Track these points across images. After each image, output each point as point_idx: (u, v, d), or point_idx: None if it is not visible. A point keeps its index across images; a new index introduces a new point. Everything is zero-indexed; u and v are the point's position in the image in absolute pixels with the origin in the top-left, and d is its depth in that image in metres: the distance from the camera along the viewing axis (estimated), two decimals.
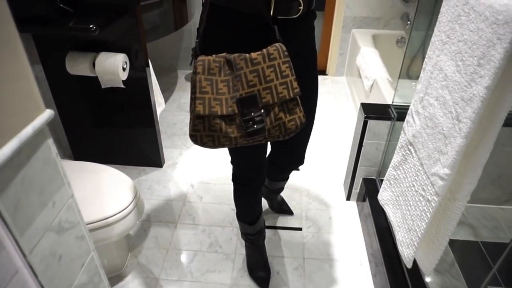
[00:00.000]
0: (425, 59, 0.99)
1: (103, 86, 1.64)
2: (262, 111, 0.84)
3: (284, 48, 0.84)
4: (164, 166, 1.96)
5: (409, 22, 2.60)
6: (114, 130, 1.87)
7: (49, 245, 0.56)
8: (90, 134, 1.88)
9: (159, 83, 1.87)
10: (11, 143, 0.46)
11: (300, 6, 0.87)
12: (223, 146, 0.89)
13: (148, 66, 1.69)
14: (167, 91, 2.76)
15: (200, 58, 0.85)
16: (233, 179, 1.21)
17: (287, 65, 0.84)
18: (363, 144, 1.54)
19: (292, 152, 1.24)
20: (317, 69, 1.09)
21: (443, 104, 0.85)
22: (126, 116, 1.81)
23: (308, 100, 1.01)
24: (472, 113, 0.73)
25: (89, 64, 1.56)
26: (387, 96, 1.83)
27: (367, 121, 1.49)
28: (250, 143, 0.89)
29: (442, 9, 0.90)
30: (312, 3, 0.92)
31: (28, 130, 0.49)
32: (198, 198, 1.76)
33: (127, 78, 1.63)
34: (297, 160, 1.27)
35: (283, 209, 1.67)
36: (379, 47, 2.55)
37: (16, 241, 0.49)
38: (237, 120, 0.85)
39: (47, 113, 0.53)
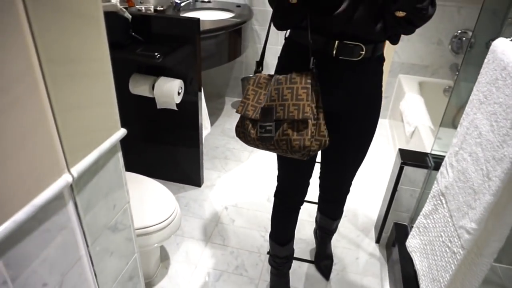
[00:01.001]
0: (463, 115, 1.03)
1: (158, 107, 1.80)
2: (274, 123, 0.98)
3: (309, 77, 0.95)
4: (202, 186, 2.07)
5: (457, 73, 2.61)
6: (161, 147, 2.02)
7: (105, 241, 0.66)
8: (140, 148, 2.04)
9: (207, 108, 2.02)
10: (93, 153, 0.57)
11: (362, 51, 0.97)
12: (249, 143, 1.05)
13: (200, 92, 1.84)
14: (213, 116, 2.92)
15: (256, 74, 1.05)
16: (275, 194, 1.33)
17: (304, 90, 0.94)
18: (398, 189, 1.56)
19: (337, 178, 1.33)
20: (379, 111, 1.14)
21: (475, 160, 0.88)
22: (174, 135, 1.96)
23: (360, 135, 1.15)
24: (502, 173, 0.76)
25: (149, 86, 1.73)
26: (427, 144, 1.84)
27: (403, 167, 1.51)
28: (263, 148, 1.03)
29: (482, 71, 0.95)
30: (377, 50, 1.01)
31: (106, 144, 0.60)
32: (231, 220, 1.83)
33: (180, 102, 1.78)
34: (341, 185, 1.35)
35: (323, 265, 1.62)
36: (424, 95, 2.56)
37: (84, 233, 0.59)
38: (258, 125, 1.00)
39: (122, 131, 0.64)
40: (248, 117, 1.02)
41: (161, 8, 2.28)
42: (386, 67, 2.93)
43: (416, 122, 2.10)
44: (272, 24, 1.01)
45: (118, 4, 1.68)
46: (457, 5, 2.49)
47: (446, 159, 1.08)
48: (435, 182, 1.12)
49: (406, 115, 2.32)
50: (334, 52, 0.97)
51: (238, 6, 2.65)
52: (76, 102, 0.52)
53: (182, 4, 2.46)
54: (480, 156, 0.86)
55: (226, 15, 2.46)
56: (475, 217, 0.84)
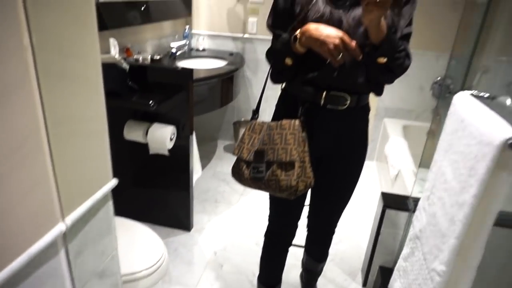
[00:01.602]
0: (433, 161, 1.11)
1: (150, 152, 1.87)
2: (265, 164, 1.08)
3: (297, 124, 1.07)
4: (192, 230, 2.09)
5: (438, 116, 2.74)
6: (152, 191, 2.07)
7: (92, 286, 0.70)
8: (130, 192, 2.08)
9: (199, 151, 2.09)
10: (86, 203, 0.63)
11: (347, 101, 1.09)
12: (242, 183, 1.15)
13: (192, 137, 1.92)
14: (205, 159, 2.99)
15: (252, 121, 1.16)
16: (265, 234, 1.40)
17: (292, 136, 1.06)
18: (381, 232, 1.61)
19: (323, 218, 1.40)
20: (364, 155, 1.24)
21: (442, 205, 0.95)
22: (165, 179, 2.02)
23: (345, 177, 1.25)
24: (463, 217, 0.83)
25: (143, 132, 1.82)
26: (409, 186, 1.91)
27: (385, 210, 1.57)
28: (255, 188, 1.12)
29: (446, 121, 1.05)
30: (362, 101, 1.12)
31: (99, 194, 0.66)
32: (219, 266, 1.85)
33: (172, 147, 1.86)
34: (327, 225, 1.41)
35: None
36: (408, 138, 2.67)
37: (73, 280, 0.63)
38: (251, 166, 1.11)
39: (113, 182, 0.70)
40: (243, 159, 1.13)
41: (158, 57, 2.42)
42: (372, 111, 3.06)
43: (399, 166, 2.18)
44: (269, 78, 1.16)
45: (117, 56, 1.81)
46: (436, 54, 2.68)
47: (420, 202, 1.14)
48: (411, 225, 1.18)
49: (390, 158, 2.41)
50: (322, 102, 1.09)
51: (231, 54, 2.82)
52: (75, 158, 0.59)
53: (177, 53, 2.62)
54: (446, 201, 0.93)
55: (219, 63, 2.60)
56: (444, 259, 0.89)
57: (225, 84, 2.44)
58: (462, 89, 2.73)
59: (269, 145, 1.08)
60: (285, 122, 1.08)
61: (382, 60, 0.97)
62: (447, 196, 0.94)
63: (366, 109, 1.18)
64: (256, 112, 1.19)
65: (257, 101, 1.22)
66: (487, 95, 1.05)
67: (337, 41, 0.93)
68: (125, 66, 1.68)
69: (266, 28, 1.14)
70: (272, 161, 1.07)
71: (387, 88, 1.16)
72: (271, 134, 1.09)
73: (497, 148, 0.74)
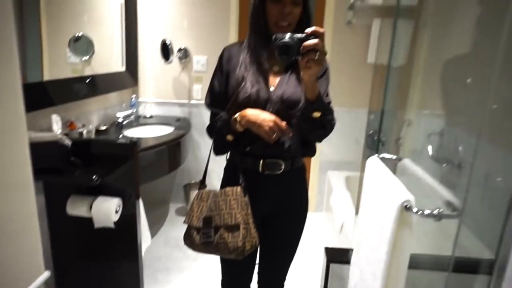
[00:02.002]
0: (357, 218, 1.22)
1: (95, 226, 1.84)
2: (213, 229, 1.17)
3: (239, 190, 1.18)
4: None
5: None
6: (99, 265, 1.99)
7: None
8: (76, 268, 1.99)
9: (150, 217, 2.08)
10: None
11: (282, 166, 1.23)
12: (194, 249, 1.23)
13: (139, 207, 1.92)
14: (157, 224, 2.94)
15: (200, 190, 1.26)
16: None
17: (235, 201, 1.17)
18: (328, 286, 1.66)
19: (271, 273, 1.46)
20: (304, 212, 1.38)
21: (367, 260, 1.05)
22: (112, 251, 1.96)
23: (289, 234, 1.36)
24: (380, 272, 0.92)
25: (87, 207, 1.80)
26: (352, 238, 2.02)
27: (329, 265, 1.64)
28: (206, 252, 1.20)
29: (364, 183, 1.18)
30: (295, 164, 1.26)
31: None
32: None
33: (118, 218, 1.84)
34: (275, 280, 1.48)
35: None
36: (352, 188, 2.83)
37: None
38: (200, 232, 1.19)
39: (45, 274, 0.72)
40: (193, 226, 1.21)
41: (104, 128, 2.46)
42: (315, 164, 3.23)
43: (342, 218, 2.31)
44: (212, 151, 1.29)
45: (59, 132, 1.83)
46: (366, 111, 2.96)
47: (352, 258, 1.24)
48: (349, 279, 1.26)
49: (334, 210, 2.54)
50: (260, 168, 1.22)
51: (178, 120, 2.92)
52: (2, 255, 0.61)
53: (124, 123, 2.67)
54: (370, 257, 1.03)
55: (167, 130, 2.68)
56: None
57: (172, 150, 2.51)
58: (392, 140, 3.00)
59: (215, 211, 1.18)
60: (228, 189, 1.19)
61: (317, 114, 1.10)
62: (369, 252, 1.04)
63: (301, 170, 1.32)
64: (202, 182, 1.30)
65: (205, 163, 1.33)
66: (394, 157, 1.21)
67: (271, 124, 1.11)
68: (67, 142, 1.70)
69: (205, 106, 1.30)
70: (219, 225, 1.16)
71: (328, 142, 1.31)
72: (217, 201, 1.19)
73: (397, 209, 0.86)
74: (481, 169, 1.31)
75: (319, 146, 3.04)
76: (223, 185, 1.33)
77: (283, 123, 1.12)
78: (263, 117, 1.12)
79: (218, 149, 1.29)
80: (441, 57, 2.37)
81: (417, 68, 2.65)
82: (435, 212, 0.81)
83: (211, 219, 1.18)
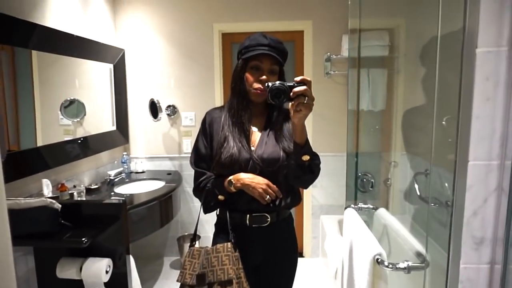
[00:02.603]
0: (341, 268, 1.24)
1: None
2: (206, 286, 1.19)
3: (229, 246, 1.22)
4: None
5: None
6: None
7: None
8: None
9: (144, 272, 2.06)
10: None
11: (268, 219, 1.29)
12: None
13: (129, 265, 1.92)
14: (151, 279, 2.89)
15: (191, 248, 1.27)
16: None
17: (227, 257, 1.21)
18: None
19: None
20: (294, 260, 1.41)
21: None
22: None
23: (280, 282, 1.38)
24: None
25: (76, 269, 1.79)
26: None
27: None
28: None
29: (343, 234, 1.21)
30: (281, 215, 1.32)
31: None
32: None
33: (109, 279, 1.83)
34: None
35: None
36: None
37: None
38: None
39: None
40: (186, 284, 1.22)
41: (95, 186, 2.49)
42: (308, 210, 3.24)
43: (336, 264, 2.29)
44: (201, 211, 1.35)
45: (50, 195, 1.86)
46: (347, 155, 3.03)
47: None
48: None
49: (328, 255, 2.52)
50: (248, 222, 1.29)
51: (169, 173, 2.97)
52: None
53: (116, 180, 2.71)
54: None
55: (158, 184, 2.72)
56: None
57: (164, 204, 2.53)
58: (381, 181, 3.04)
59: (208, 268, 1.22)
60: (219, 246, 1.24)
61: (306, 157, 1.17)
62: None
63: (288, 220, 1.38)
64: (193, 239, 1.34)
65: (197, 215, 1.38)
66: (372, 206, 1.26)
67: (264, 186, 1.21)
68: (57, 206, 1.73)
69: (190, 165, 1.38)
70: (212, 281, 1.19)
71: (319, 187, 1.36)
72: (209, 258, 1.23)
73: (370, 263, 0.90)
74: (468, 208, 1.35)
75: (310, 191, 3.10)
76: (214, 239, 1.40)
77: (274, 186, 1.22)
78: (257, 180, 1.22)
79: (208, 208, 1.35)
80: (416, 101, 2.49)
81: (396, 112, 2.77)
82: (405, 265, 0.84)
83: (204, 276, 1.21)
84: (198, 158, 1.37)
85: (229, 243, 1.24)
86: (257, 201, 1.25)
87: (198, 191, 1.37)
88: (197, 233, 1.43)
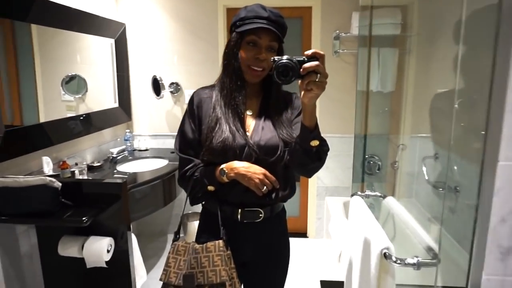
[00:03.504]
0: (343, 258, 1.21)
1: (87, 266, 1.82)
2: None
3: (221, 245, 1.12)
4: None
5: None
6: None
7: None
8: None
9: (148, 249, 2.05)
10: None
11: (261, 214, 1.18)
12: None
13: (131, 245, 1.91)
14: (155, 256, 2.91)
15: (175, 242, 1.17)
16: None
17: (219, 257, 1.10)
18: None
19: None
20: (287, 256, 1.31)
21: None
22: None
23: (272, 279, 1.29)
24: None
25: (78, 247, 1.79)
26: None
27: None
28: None
29: (349, 216, 1.17)
30: (275, 210, 1.22)
31: None
32: None
33: (111, 257, 1.83)
34: None
35: None
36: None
37: None
38: None
39: None
40: (171, 284, 1.12)
41: (98, 164, 2.47)
42: (313, 191, 3.21)
43: (340, 247, 2.27)
44: (188, 200, 1.22)
45: (47, 176, 1.83)
46: (361, 136, 2.97)
47: None
48: None
49: (333, 238, 2.51)
50: (239, 217, 1.17)
51: (173, 152, 2.93)
52: None
53: (118, 157, 2.68)
54: None
55: (161, 163, 2.69)
56: None
57: (167, 183, 2.51)
58: (388, 163, 2.98)
59: (197, 268, 1.11)
60: (210, 245, 1.13)
61: (315, 142, 1.04)
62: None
63: (281, 214, 1.28)
64: (177, 233, 1.24)
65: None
66: (379, 194, 1.21)
67: (261, 176, 1.08)
68: (57, 185, 1.71)
69: (175, 151, 1.25)
70: (203, 284, 1.09)
71: (325, 169, 1.19)
72: (198, 258, 1.12)
73: (377, 257, 0.85)
74: (472, 192, 1.30)
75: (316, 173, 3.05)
76: (200, 233, 1.29)
77: (272, 176, 1.10)
78: (253, 169, 1.09)
79: (196, 200, 1.23)
80: (428, 83, 2.39)
81: (406, 94, 2.68)
82: (414, 261, 0.79)
83: (193, 278, 1.11)
84: (184, 143, 1.21)
85: (220, 241, 1.13)
86: (250, 193, 1.13)
87: (184, 180, 1.22)
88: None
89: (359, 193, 1.22)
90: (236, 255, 1.17)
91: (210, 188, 1.16)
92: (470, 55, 0.92)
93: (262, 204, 1.18)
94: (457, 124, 0.92)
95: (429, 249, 0.88)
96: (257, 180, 1.08)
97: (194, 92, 1.25)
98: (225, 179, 1.12)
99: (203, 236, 1.24)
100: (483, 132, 0.74)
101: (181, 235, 1.33)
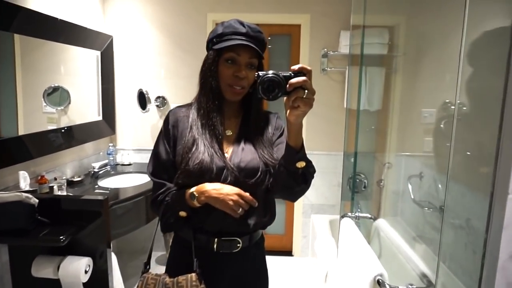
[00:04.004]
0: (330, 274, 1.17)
1: None
2: None
3: (194, 279, 1.02)
4: None
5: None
6: None
7: None
8: None
9: (129, 267, 1.97)
10: None
11: (239, 244, 1.09)
12: None
13: (111, 265, 1.82)
14: (136, 275, 2.79)
15: (144, 275, 1.08)
16: None
17: None
18: None
19: None
20: (264, 285, 1.22)
21: None
22: None
23: None
24: None
25: (53, 268, 1.69)
26: None
27: None
28: None
29: (339, 244, 1.14)
30: (254, 238, 1.13)
31: None
32: None
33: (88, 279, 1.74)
34: None
35: None
36: (336, 233, 2.77)
37: None
38: None
39: None
40: None
41: (78, 179, 2.38)
42: (298, 208, 3.18)
43: (326, 267, 2.23)
44: (159, 226, 1.14)
45: (23, 193, 1.75)
46: (347, 154, 2.97)
47: None
48: None
49: (318, 257, 2.46)
50: (215, 247, 1.08)
51: None
52: None
53: (100, 172, 2.60)
54: None
55: (144, 178, 2.61)
56: None
57: (150, 199, 2.43)
58: (374, 182, 2.98)
59: None
60: (181, 279, 1.03)
61: (302, 164, 0.97)
62: None
63: (260, 242, 1.19)
64: (147, 263, 1.15)
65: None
66: (369, 216, 1.18)
67: (235, 197, 0.99)
68: (33, 201, 1.63)
69: (148, 175, 1.17)
70: None
71: (311, 186, 1.04)
72: None
73: (370, 284, 0.82)
74: (461, 214, 1.28)
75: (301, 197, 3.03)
76: (170, 264, 1.19)
77: (247, 194, 1.01)
78: (226, 190, 1.00)
79: (168, 226, 1.12)
80: (413, 102, 2.42)
81: (392, 113, 2.70)
82: None
83: None
84: (158, 166, 1.13)
85: (193, 275, 1.03)
86: (229, 220, 1.04)
87: (155, 205, 1.13)
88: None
89: (349, 214, 1.19)
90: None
91: (182, 214, 1.06)
92: (477, 79, 0.91)
93: (240, 233, 1.10)
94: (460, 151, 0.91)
95: (423, 276, 0.85)
96: (231, 202, 0.99)
97: (170, 111, 1.18)
98: (196, 203, 1.04)
99: (174, 268, 1.14)
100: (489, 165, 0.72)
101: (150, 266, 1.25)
